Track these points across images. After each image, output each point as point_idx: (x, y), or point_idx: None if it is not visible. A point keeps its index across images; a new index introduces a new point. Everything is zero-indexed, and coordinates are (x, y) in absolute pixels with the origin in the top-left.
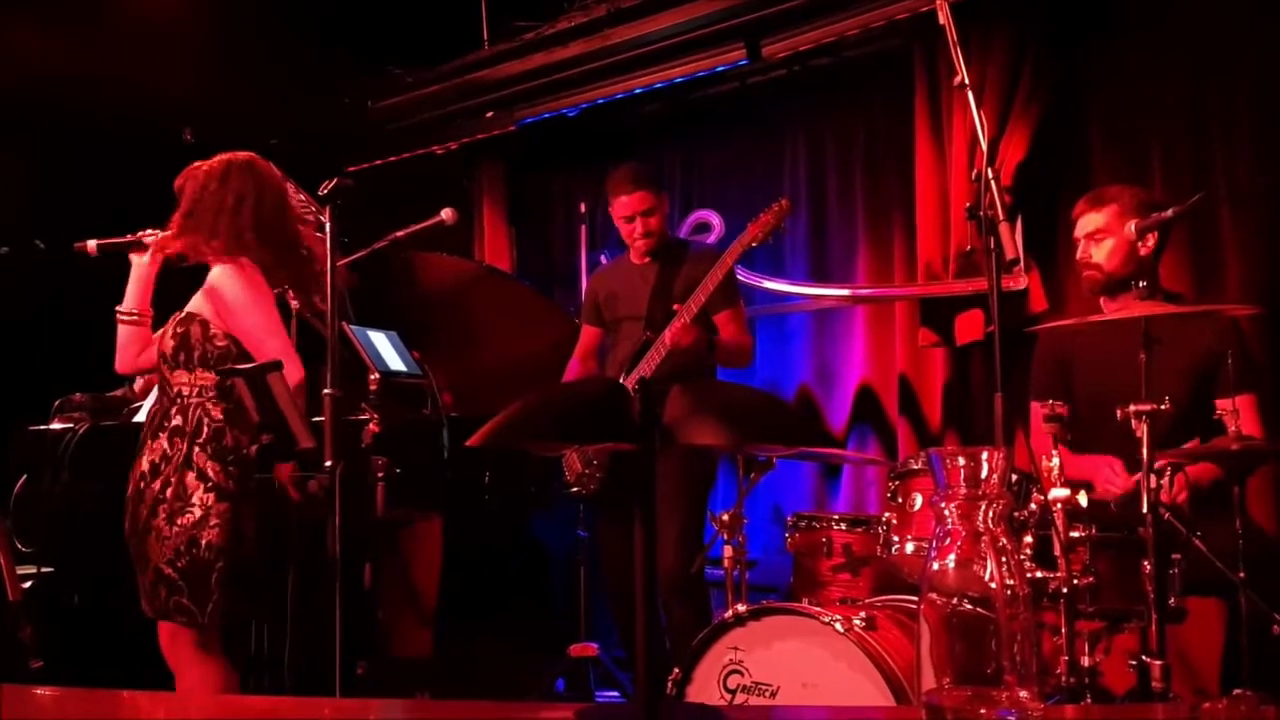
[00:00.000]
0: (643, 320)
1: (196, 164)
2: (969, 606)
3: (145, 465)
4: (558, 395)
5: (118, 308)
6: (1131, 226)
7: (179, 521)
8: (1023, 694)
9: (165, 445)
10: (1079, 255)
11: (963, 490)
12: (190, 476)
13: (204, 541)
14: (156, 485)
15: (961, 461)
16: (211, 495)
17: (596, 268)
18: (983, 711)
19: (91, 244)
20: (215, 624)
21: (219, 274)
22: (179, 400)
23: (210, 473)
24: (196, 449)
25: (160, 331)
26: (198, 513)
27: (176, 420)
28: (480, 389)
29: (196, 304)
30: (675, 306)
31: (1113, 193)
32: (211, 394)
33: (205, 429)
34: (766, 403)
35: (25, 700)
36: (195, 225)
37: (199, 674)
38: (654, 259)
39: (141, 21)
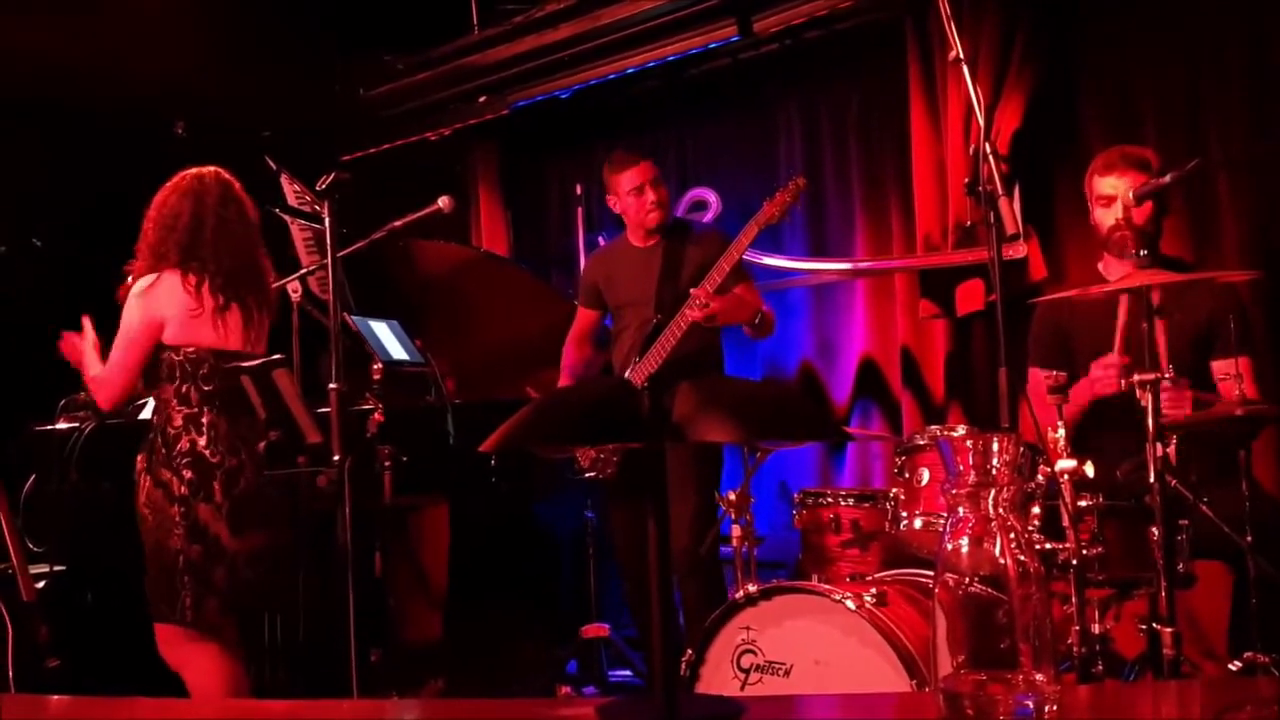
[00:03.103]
0: (650, 304)
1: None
2: (983, 589)
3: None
4: (565, 398)
5: None
6: (1130, 192)
7: (146, 527)
8: (1039, 676)
9: (141, 457)
10: (1119, 216)
11: (973, 477)
12: (149, 484)
13: (166, 545)
14: (136, 496)
15: (970, 446)
16: (165, 500)
17: (595, 249)
18: (999, 699)
19: None
20: (199, 622)
21: None
22: (155, 415)
23: (163, 478)
24: (154, 458)
25: None
26: (156, 519)
27: (151, 434)
28: (481, 374)
29: None
30: (693, 291)
31: (1137, 153)
32: (173, 403)
33: (158, 438)
34: (776, 396)
35: (28, 709)
36: (145, 252)
37: (194, 671)
38: (658, 239)
39: (131, 10)
